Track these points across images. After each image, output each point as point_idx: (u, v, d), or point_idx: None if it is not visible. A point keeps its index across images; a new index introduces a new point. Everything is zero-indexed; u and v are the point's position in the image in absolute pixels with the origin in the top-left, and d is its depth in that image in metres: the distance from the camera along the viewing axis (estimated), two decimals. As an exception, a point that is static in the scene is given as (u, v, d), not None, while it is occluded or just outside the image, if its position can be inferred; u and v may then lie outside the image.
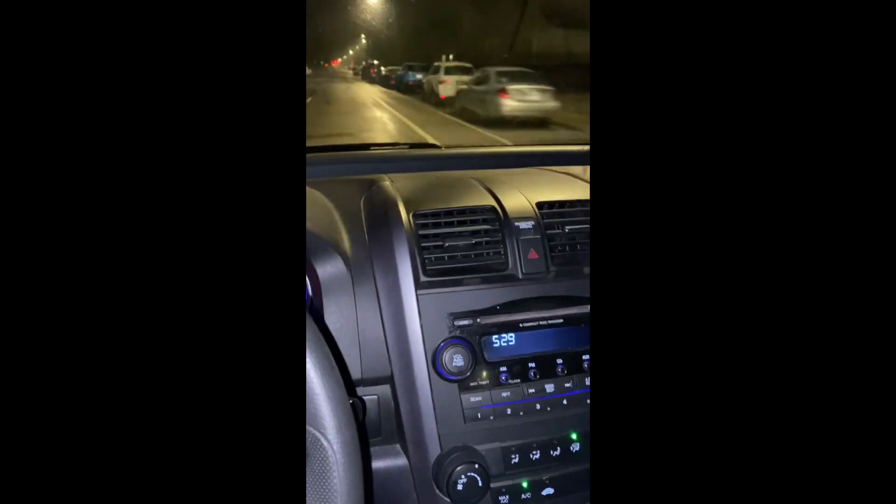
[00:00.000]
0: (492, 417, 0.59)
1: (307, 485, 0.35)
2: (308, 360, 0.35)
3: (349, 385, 0.60)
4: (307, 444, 0.35)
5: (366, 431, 0.62)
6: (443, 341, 0.58)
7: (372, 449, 0.62)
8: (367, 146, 1.02)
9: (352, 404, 0.38)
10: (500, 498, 0.59)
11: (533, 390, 0.60)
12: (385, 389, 0.62)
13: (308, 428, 0.34)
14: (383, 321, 0.61)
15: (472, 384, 0.59)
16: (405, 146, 1.03)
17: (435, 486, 0.58)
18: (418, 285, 0.59)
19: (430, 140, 1.79)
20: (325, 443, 0.34)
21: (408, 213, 0.63)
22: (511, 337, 0.60)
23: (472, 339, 0.59)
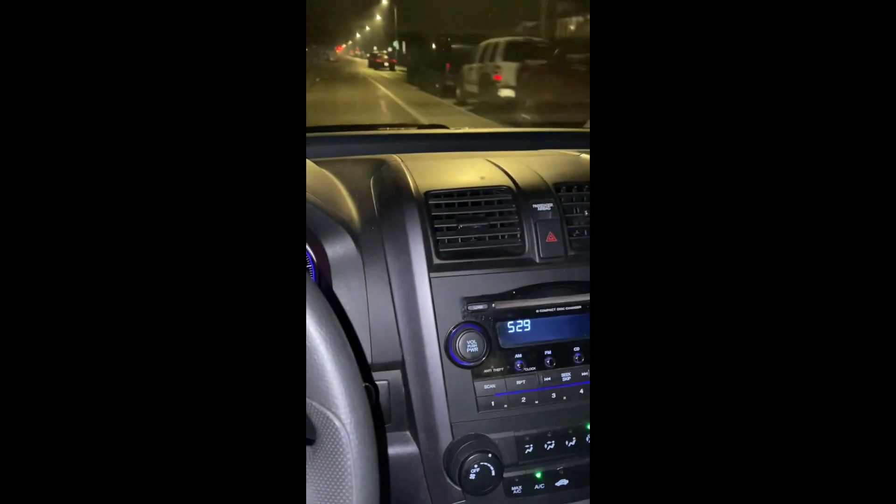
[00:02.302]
0: (506, 406, 0.57)
1: (319, 468, 0.33)
2: (318, 335, 0.33)
3: (363, 369, 0.58)
4: (319, 425, 0.33)
5: (381, 416, 0.60)
6: (456, 326, 0.56)
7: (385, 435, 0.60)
8: (375, 126, 0.99)
9: (365, 389, 0.36)
10: (512, 488, 0.57)
11: (549, 378, 0.58)
12: (396, 375, 0.60)
13: (320, 407, 0.33)
14: (394, 304, 0.59)
15: (485, 371, 0.57)
16: (414, 126, 1.00)
17: (446, 475, 0.56)
18: (431, 268, 0.57)
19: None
20: (337, 423, 0.32)
21: (420, 193, 0.61)
22: (527, 323, 0.58)
23: (487, 325, 0.57)
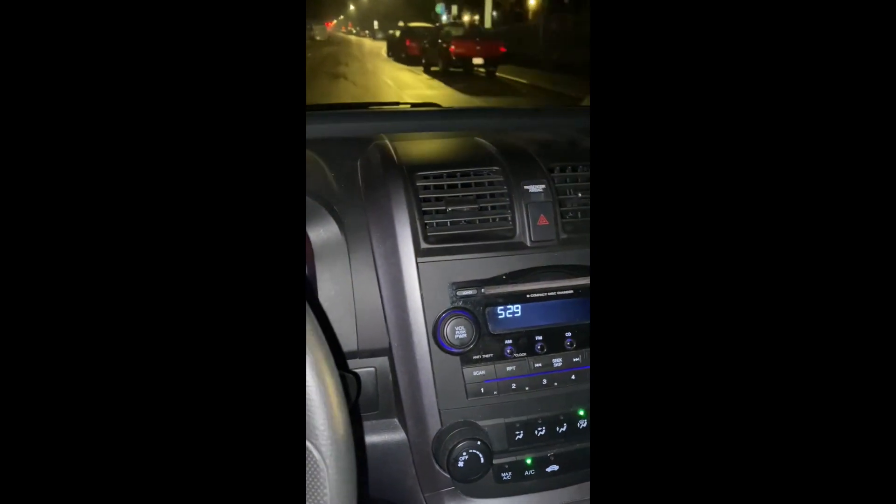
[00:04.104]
0: (495, 392, 0.56)
1: None
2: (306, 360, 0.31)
3: (340, 358, 0.57)
4: None
5: (359, 414, 0.58)
6: (444, 312, 0.55)
7: (369, 423, 0.60)
8: (364, 105, 0.96)
9: (343, 378, 0.35)
10: (502, 475, 0.56)
11: (539, 364, 0.57)
12: (383, 361, 0.59)
13: None
14: (381, 290, 0.57)
15: (474, 357, 0.55)
16: (406, 105, 0.98)
17: (435, 462, 0.55)
18: (419, 252, 0.55)
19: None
20: (317, 455, 0.31)
21: (408, 174, 0.59)
22: (517, 308, 0.57)
23: (476, 310, 0.55)
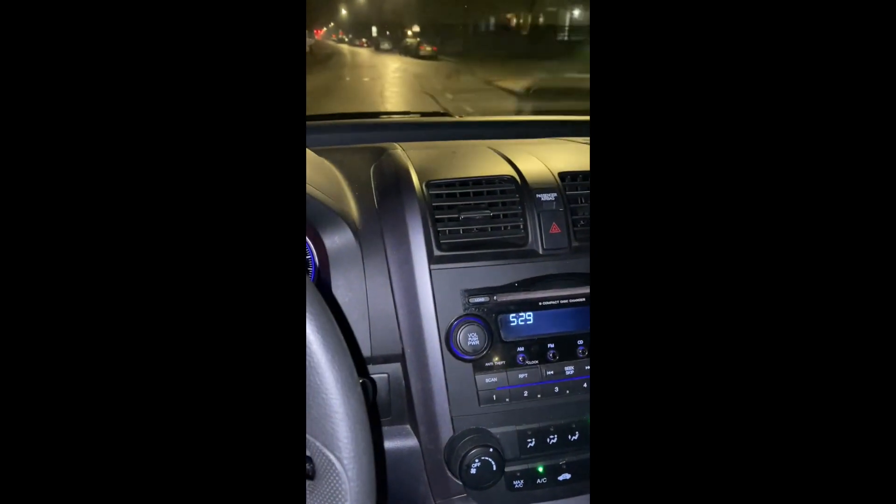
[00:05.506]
0: (507, 399, 0.56)
1: None
2: (331, 375, 0.31)
3: (360, 364, 0.57)
4: (319, 465, 0.32)
5: (378, 416, 0.59)
6: (457, 319, 0.55)
7: (382, 429, 0.60)
8: (377, 114, 0.97)
9: (362, 384, 0.35)
10: (514, 482, 0.56)
11: (551, 372, 0.57)
12: (396, 368, 0.59)
13: (323, 449, 0.32)
14: (394, 297, 0.58)
15: (487, 364, 0.56)
16: (417, 114, 0.98)
17: (447, 469, 0.55)
18: (432, 260, 0.56)
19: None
20: (339, 467, 0.31)
21: (421, 183, 0.59)
22: (529, 316, 0.57)
23: (489, 318, 0.56)
